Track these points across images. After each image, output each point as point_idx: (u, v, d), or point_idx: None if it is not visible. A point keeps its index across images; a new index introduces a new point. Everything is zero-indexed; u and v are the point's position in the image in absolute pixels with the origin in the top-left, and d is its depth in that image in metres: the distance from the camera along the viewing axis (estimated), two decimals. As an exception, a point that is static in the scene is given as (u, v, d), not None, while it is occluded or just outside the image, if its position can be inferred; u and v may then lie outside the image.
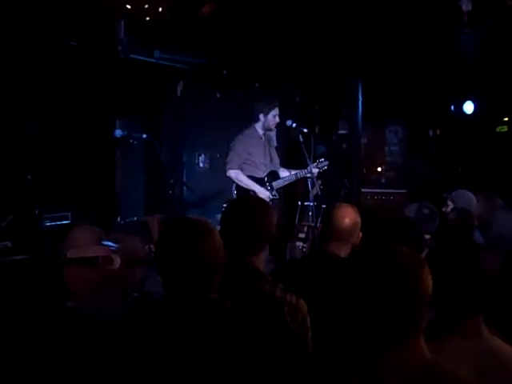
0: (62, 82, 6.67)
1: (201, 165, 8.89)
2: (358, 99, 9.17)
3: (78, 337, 3.77)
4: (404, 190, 9.31)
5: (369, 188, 9.44)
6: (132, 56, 7.08)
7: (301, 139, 6.33)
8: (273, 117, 6.45)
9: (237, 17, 6.86)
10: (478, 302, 2.32)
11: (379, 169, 10.32)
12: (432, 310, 2.34)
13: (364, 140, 9.97)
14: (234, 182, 6.43)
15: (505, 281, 2.99)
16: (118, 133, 7.01)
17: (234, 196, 6.43)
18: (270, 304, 2.60)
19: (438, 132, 10.45)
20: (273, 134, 6.76)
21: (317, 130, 9.27)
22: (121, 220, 7.27)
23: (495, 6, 6.07)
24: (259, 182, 6.45)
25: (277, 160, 6.76)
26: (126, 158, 7.84)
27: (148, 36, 6.74)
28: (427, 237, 4.36)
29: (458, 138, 10.15)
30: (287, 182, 6.64)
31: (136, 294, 5.08)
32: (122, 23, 6.20)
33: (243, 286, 2.64)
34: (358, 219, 3.53)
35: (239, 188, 6.38)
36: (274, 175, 6.59)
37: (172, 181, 7.15)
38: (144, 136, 7.04)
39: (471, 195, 5.32)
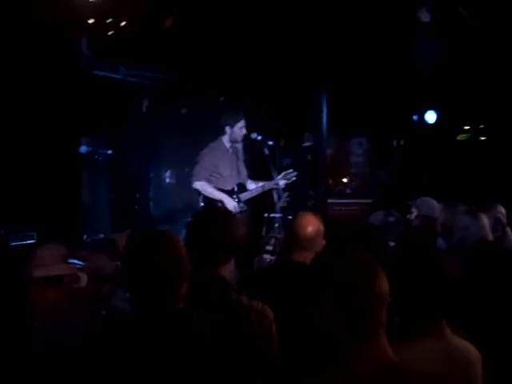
0: (25, 98, 6.61)
1: (167, 180, 8.87)
2: (322, 111, 9.25)
3: (44, 355, 3.73)
4: (369, 200, 9.38)
5: (335, 199, 9.49)
6: (96, 72, 7.07)
7: (266, 152, 6.36)
8: (239, 129, 6.43)
9: (200, 31, 6.89)
10: (440, 307, 2.37)
11: (345, 179, 10.39)
12: (396, 316, 2.40)
13: (329, 151, 10.04)
14: (200, 193, 6.38)
15: (465, 283, 3.05)
16: (83, 149, 6.97)
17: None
18: (236, 312, 2.61)
19: (402, 142, 10.60)
20: (240, 146, 6.75)
21: (282, 142, 9.32)
22: (87, 238, 7.22)
23: (453, 16, 6.19)
24: (227, 193, 6.43)
25: (244, 172, 6.75)
26: (91, 175, 7.80)
27: (112, 51, 6.74)
28: (392, 244, 4.41)
29: (421, 147, 10.30)
30: (255, 194, 6.63)
31: (103, 312, 5.06)
32: (85, 38, 6.19)
33: (210, 295, 2.64)
34: (321, 227, 3.57)
35: (206, 199, 6.35)
36: (241, 187, 6.57)
37: (138, 195, 7.12)
38: (109, 152, 7.01)
39: (434, 202, 5.39)
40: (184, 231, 2.92)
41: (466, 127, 10.51)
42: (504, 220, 5.08)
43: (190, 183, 6.53)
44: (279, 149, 6.57)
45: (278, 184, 6.42)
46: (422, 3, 6.19)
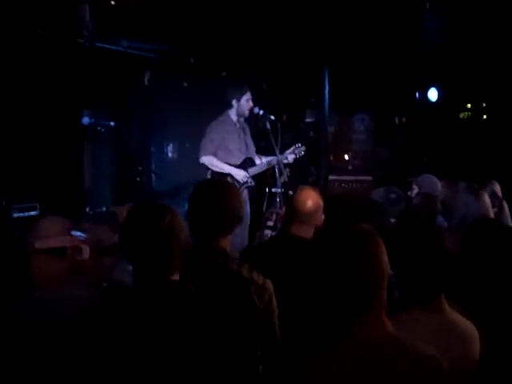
0: (28, 70, 6.59)
1: (169, 154, 8.87)
2: (324, 88, 9.22)
3: (44, 326, 3.78)
4: (370, 177, 9.41)
5: (336, 175, 9.51)
6: (99, 45, 7.03)
7: (268, 127, 6.34)
8: (245, 101, 6.43)
9: (203, 4, 6.86)
10: (439, 282, 2.39)
11: (346, 156, 10.39)
12: (395, 291, 2.43)
13: (331, 128, 10.03)
14: (208, 168, 6.37)
15: (464, 259, 3.07)
16: (86, 120, 6.96)
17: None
18: (236, 284, 2.64)
19: (404, 119, 10.58)
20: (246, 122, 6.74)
21: (284, 118, 9.31)
22: (89, 210, 7.24)
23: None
24: (234, 167, 6.43)
25: (252, 147, 6.73)
26: (93, 147, 7.79)
27: (114, 24, 6.70)
28: (393, 220, 4.43)
29: (423, 125, 10.30)
30: (263, 169, 6.62)
31: (105, 284, 5.11)
32: (88, 7, 6.15)
33: (210, 266, 2.67)
34: (321, 202, 3.62)
35: (214, 174, 6.33)
36: (249, 162, 6.56)
37: (140, 168, 7.12)
38: (112, 124, 7.00)
39: (436, 180, 5.41)
40: (186, 205, 2.93)
41: (468, 105, 10.49)
42: (500, 194, 5.11)
43: (193, 159, 6.52)
44: (281, 124, 6.55)
45: (287, 158, 6.43)
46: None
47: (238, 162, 6.44)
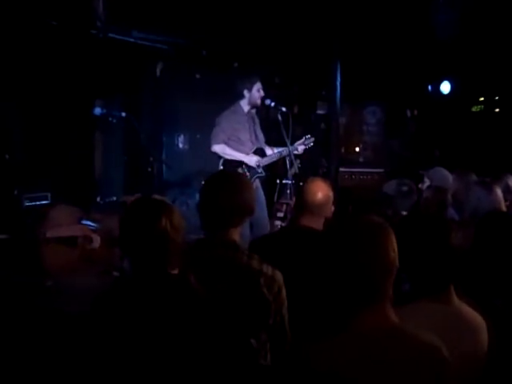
0: (40, 61, 6.62)
1: (180, 145, 8.89)
2: (336, 80, 9.19)
3: (56, 314, 3.81)
4: (381, 170, 9.40)
5: (347, 167, 9.49)
6: (111, 35, 7.04)
7: (279, 118, 6.34)
8: (257, 91, 6.42)
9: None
10: (448, 275, 2.39)
11: (357, 148, 10.39)
12: (405, 283, 2.43)
13: (342, 120, 10.02)
14: (220, 156, 6.37)
15: (475, 252, 3.07)
16: (98, 111, 6.97)
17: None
18: (246, 275, 2.64)
19: (416, 112, 10.55)
20: (254, 112, 6.74)
21: (295, 110, 9.30)
22: (100, 200, 7.28)
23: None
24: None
25: (262, 138, 6.71)
26: (105, 138, 7.83)
27: (127, 15, 6.71)
28: (404, 213, 4.43)
29: (435, 118, 10.26)
30: (274, 159, 6.61)
31: (116, 273, 5.14)
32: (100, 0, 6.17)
33: (221, 258, 2.67)
34: (331, 193, 3.63)
35: (226, 163, 6.34)
36: (260, 152, 6.57)
37: (151, 159, 7.14)
38: (123, 114, 7.01)
39: (447, 173, 5.39)
40: (197, 195, 2.95)
41: (481, 98, 10.44)
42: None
43: (203, 148, 6.53)
44: (293, 116, 6.55)
45: (297, 149, 6.43)
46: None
47: (249, 152, 6.44)
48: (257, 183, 6.30)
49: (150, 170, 7.11)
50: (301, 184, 6.71)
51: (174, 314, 2.26)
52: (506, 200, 4.49)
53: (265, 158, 6.49)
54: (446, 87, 9.97)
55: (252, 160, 6.34)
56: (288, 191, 6.82)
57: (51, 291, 4.89)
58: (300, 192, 3.72)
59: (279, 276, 2.70)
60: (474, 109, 10.46)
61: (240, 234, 2.82)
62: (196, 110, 8.37)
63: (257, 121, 6.71)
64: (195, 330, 2.27)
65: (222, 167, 6.32)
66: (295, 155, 6.53)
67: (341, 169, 9.36)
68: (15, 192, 6.12)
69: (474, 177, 5.24)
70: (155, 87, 8.51)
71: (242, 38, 7.91)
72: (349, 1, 7.03)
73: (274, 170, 7.21)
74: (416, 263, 2.38)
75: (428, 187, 5.13)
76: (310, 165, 8.56)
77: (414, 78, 9.67)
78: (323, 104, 9.72)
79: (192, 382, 2.25)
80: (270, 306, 2.62)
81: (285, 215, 6.96)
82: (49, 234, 5.42)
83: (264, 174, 6.47)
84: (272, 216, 7.09)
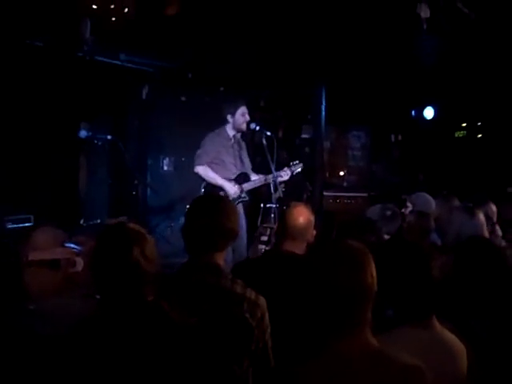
0: (26, 83, 6.63)
1: (165, 168, 8.88)
2: (321, 104, 9.27)
3: (39, 338, 3.78)
4: (365, 194, 9.45)
5: (331, 191, 9.54)
6: (98, 58, 7.07)
7: (264, 142, 6.36)
8: (241, 115, 6.41)
9: (202, 21, 6.90)
10: (428, 305, 2.40)
11: (342, 173, 10.43)
12: (389, 309, 2.44)
13: (327, 144, 10.08)
14: (202, 178, 6.35)
15: (457, 276, 3.09)
16: (83, 133, 6.97)
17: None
18: (229, 300, 2.64)
19: (400, 137, 10.64)
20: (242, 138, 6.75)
21: (280, 134, 9.35)
22: (84, 222, 7.24)
23: (452, 12, 6.21)
24: (229, 182, 6.43)
25: (248, 164, 6.71)
26: (89, 160, 7.81)
27: (114, 38, 6.73)
28: (387, 237, 4.45)
29: (418, 143, 10.36)
30: (257, 185, 6.62)
31: (98, 296, 5.09)
32: (88, 23, 6.19)
33: (204, 282, 2.67)
34: (312, 218, 3.67)
35: (208, 186, 6.33)
36: (244, 177, 6.56)
37: (136, 182, 7.13)
38: (109, 137, 7.01)
39: (430, 198, 5.43)
40: (182, 219, 2.95)
41: (464, 124, 10.56)
42: (494, 217, 5.13)
43: (188, 171, 6.52)
44: (277, 140, 6.57)
45: (281, 176, 6.42)
46: (422, -1, 6.20)
47: (232, 177, 6.45)
48: (239, 208, 6.29)
49: (134, 192, 7.12)
50: (285, 208, 6.73)
51: (147, 342, 2.23)
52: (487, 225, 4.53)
53: (248, 183, 6.50)
54: (429, 113, 10.09)
55: (232, 189, 6.32)
56: (272, 215, 6.82)
57: (34, 314, 4.85)
58: (282, 217, 3.78)
59: (263, 301, 2.70)
60: (456, 134, 10.58)
61: (224, 258, 2.83)
62: (181, 133, 8.38)
63: (243, 146, 6.71)
64: (171, 356, 2.24)
65: (203, 190, 6.32)
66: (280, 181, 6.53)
67: (325, 193, 9.40)
68: (-2, 214, 6.09)
69: (456, 202, 5.27)
70: (141, 110, 8.53)
71: (228, 62, 7.95)
72: (334, 27, 7.09)
73: (258, 193, 7.22)
74: (398, 290, 2.40)
75: (411, 212, 5.16)
76: (295, 189, 8.57)
77: (398, 103, 9.77)
78: (308, 128, 9.76)
79: None
80: (252, 332, 2.61)
81: (269, 239, 6.94)
82: (31, 257, 5.38)
83: (247, 198, 6.48)
84: (256, 240, 7.08)
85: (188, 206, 2.89)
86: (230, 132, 6.51)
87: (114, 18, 6.11)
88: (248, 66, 8.07)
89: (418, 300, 2.38)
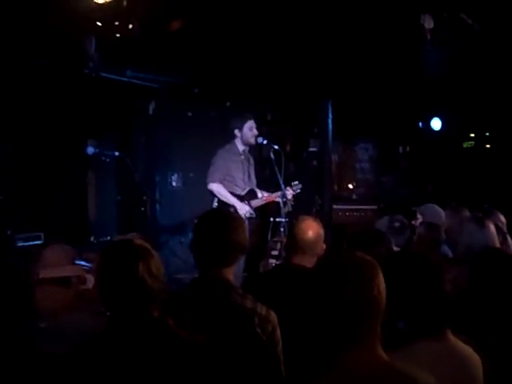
0: (33, 100, 6.66)
1: (173, 184, 8.89)
2: (328, 117, 9.28)
3: (49, 356, 3.77)
4: (375, 206, 9.42)
5: (340, 204, 9.51)
6: (103, 75, 7.10)
7: (272, 156, 6.38)
8: (248, 130, 6.45)
9: (207, 36, 6.92)
10: (444, 318, 2.38)
11: (350, 185, 10.42)
12: (400, 322, 2.42)
13: (335, 157, 10.08)
14: (214, 195, 6.38)
15: (473, 288, 3.07)
16: (90, 150, 7.00)
17: (214, 210, 6.37)
18: (240, 315, 2.63)
19: (408, 148, 10.63)
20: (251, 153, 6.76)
21: (288, 147, 9.36)
22: (94, 239, 7.26)
23: (456, 23, 6.21)
24: (238, 198, 6.44)
25: (254, 179, 6.75)
26: (98, 177, 7.83)
27: (119, 54, 6.76)
28: (396, 249, 4.42)
29: (426, 154, 10.34)
30: (264, 202, 6.64)
31: (109, 313, 5.09)
32: (93, 40, 6.22)
33: (214, 297, 2.67)
34: (321, 231, 3.66)
35: (220, 202, 6.36)
36: (252, 194, 6.58)
37: (145, 198, 7.14)
38: (116, 154, 7.04)
39: (440, 209, 5.41)
40: (191, 234, 2.94)
41: (472, 135, 10.54)
42: (504, 228, 5.10)
43: (196, 187, 6.54)
44: (285, 153, 6.58)
45: (284, 195, 6.42)
46: (426, 10, 6.20)
47: (242, 193, 6.47)
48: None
49: (143, 208, 7.13)
50: (293, 222, 6.72)
51: (153, 360, 2.21)
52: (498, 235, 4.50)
53: (256, 200, 6.52)
54: (436, 124, 10.08)
55: (243, 209, 6.34)
56: (282, 229, 6.82)
57: (45, 332, 4.84)
58: (291, 231, 3.75)
59: (273, 316, 2.69)
60: (465, 145, 10.56)
61: (233, 273, 2.82)
62: (189, 149, 8.40)
63: (251, 161, 6.74)
64: (177, 374, 2.22)
65: (216, 204, 6.33)
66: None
67: (334, 206, 9.38)
68: (8, 232, 6.10)
69: (466, 212, 5.24)
70: (148, 126, 8.55)
71: (234, 76, 7.97)
72: (339, 41, 7.11)
73: (268, 208, 7.22)
74: (410, 303, 2.38)
75: (421, 223, 5.13)
76: (304, 202, 8.57)
77: (405, 115, 9.76)
78: (315, 141, 9.77)
79: None
80: (263, 347, 2.61)
81: (279, 253, 6.94)
82: (42, 275, 5.39)
83: (254, 214, 6.49)
84: (266, 254, 7.08)
85: (196, 221, 2.89)
86: (240, 147, 6.53)
87: (118, 35, 6.15)
88: (254, 80, 8.09)
89: (431, 313, 2.35)
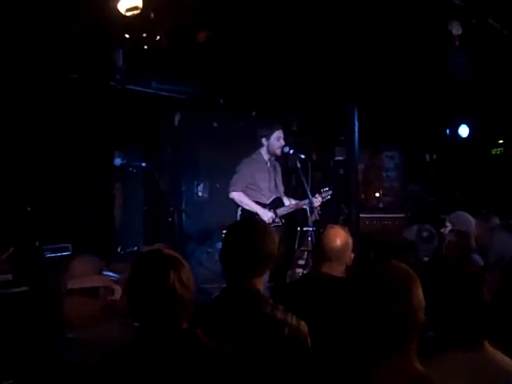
0: (61, 113, 6.73)
1: (200, 194, 8.92)
2: (354, 125, 9.23)
3: (78, 367, 3.78)
4: (402, 214, 9.34)
5: (367, 213, 9.45)
6: (130, 87, 7.15)
7: (298, 165, 6.34)
8: (276, 140, 6.42)
9: (233, 46, 6.94)
10: (481, 330, 2.31)
11: (377, 194, 10.35)
12: (430, 331, 2.37)
13: (361, 166, 10.04)
14: (237, 204, 6.36)
15: (503, 300, 3.00)
16: (118, 161, 7.06)
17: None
18: (270, 326, 2.61)
19: (435, 156, 10.54)
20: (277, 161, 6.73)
21: (314, 156, 9.33)
22: (121, 250, 7.29)
23: (484, 28, 6.15)
24: (262, 206, 6.39)
25: (281, 187, 6.70)
26: (125, 188, 7.88)
27: (146, 66, 6.81)
28: (426, 259, 4.38)
29: (454, 162, 10.24)
30: (291, 210, 6.59)
31: (137, 324, 5.09)
32: (121, 52, 6.27)
33: (244, 308, 2.65)
34: (349, 240, 3.63)
35: (244, 211, 6.33)
36: (278, 202, 6.54)
37: (171, 208, 7.16)
38: (143, 165, 7.08)
39: (469, 217, 5.33)
40: (218, 244, 2.93)
41: (500, 141, 10.42)
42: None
43: (222, 197, 6.53)
44: (311, 162, 6.54)
45: (312, 202, 6.36)
46: (454, 16, 6.15)
47: (267, 202, 6.43)
48: None
49: (170, 219, 7.13)
50: (320, 231, 6.68)
51: (181, 371, 2.19)
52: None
53: (282, 208, 6.48)
54: (464, 131, 9.99)
55: (266, 215, 6.30)
56: (309, 238, 6.77)
57: (73, 343, 4.86)
58: (319, 240, 3.74)
59: (304, 326, 2.67)
60: (493, 151, 10.43)
61: (262, 283, 2.80)
62: (215, 159, 8.42)
63: (278, 170, 6.71)
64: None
65: (239, 215, 6.31)
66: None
67: (361, 214, 9.32)
68: (36, 244, 6.15)
69: (496, 220, 5.17)
70: (174, 137, 8.59)
71: (259, 86, 7.98)
72: (365, 47, 7.07)
73: (295, 217, 7.19)
74: (445, 314, 2.32)
75: (450, 231, 5.07)
76: (331, 211, 8.53)
77: (431, 122, 9.68)
78: (341, 150, 9.74)
79: None
80: (294, 357, 2.58)
81: (306, 263, 6.91)
82: (70, 286, 5.42)
83: (281, 223, 6.45)
84: (293, 263, 7.05)
85: (225, 232, 2.88)
86: (266, 156, 6.51)
87: (146, 47, 6.18)
88: (279, 89, 8.09)
89: (470, 323, 2.29)
